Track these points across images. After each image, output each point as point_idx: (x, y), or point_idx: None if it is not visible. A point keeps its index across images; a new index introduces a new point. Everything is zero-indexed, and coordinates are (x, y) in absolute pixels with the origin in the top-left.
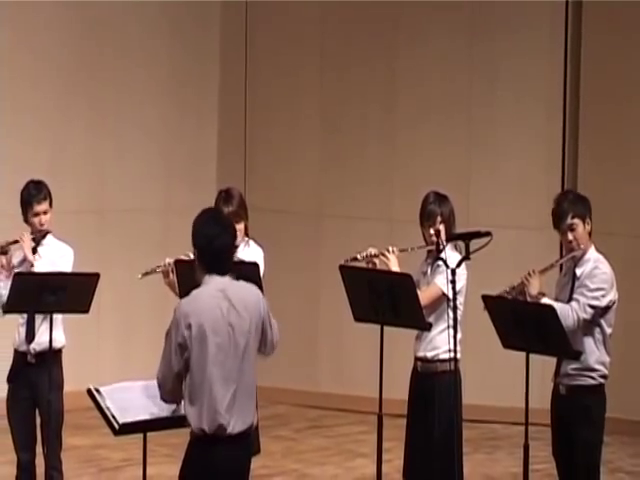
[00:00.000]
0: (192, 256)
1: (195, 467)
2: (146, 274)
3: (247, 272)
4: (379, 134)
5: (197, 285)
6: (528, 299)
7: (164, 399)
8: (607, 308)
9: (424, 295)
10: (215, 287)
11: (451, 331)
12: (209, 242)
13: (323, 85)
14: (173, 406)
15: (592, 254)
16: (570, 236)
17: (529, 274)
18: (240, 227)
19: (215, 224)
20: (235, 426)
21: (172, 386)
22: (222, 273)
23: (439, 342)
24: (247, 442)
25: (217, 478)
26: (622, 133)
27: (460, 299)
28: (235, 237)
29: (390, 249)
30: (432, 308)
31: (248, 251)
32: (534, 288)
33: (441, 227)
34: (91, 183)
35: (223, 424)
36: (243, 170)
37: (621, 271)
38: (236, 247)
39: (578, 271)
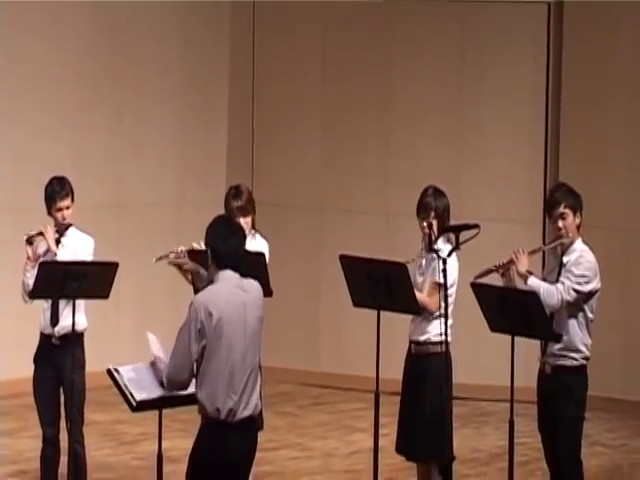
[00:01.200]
0: (196, 246)
1: (206, 449)
2: (160, 258)
3: (254, 262)
4: (376, 134)
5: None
6: (515, 276)
7: (174, 389)
8: (590, 295)
9: (431, 299)
10: (231, 282)
11: (442, 317)
12: (222, 243)
13: (325, 89)
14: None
15: (579, 245)
16: (560, 224)
17: (519, 252)
18: (248, 220)
19: (227, 227)
20: (244, 410)
21: (187, 376)
22: (234, 270)
23: (431, 327)
24: (254, 425)
25: (227, 460)
26: (600, 134)
27: (451, 290)
28: (244, 239)
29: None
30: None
31: (254, 243)
32: (523, 266)
33: (434, 221)
34: (110, 179)
35: (234, 409)
36: (250, 167)
37: (597, 260)
38: None
39: (565, 259)
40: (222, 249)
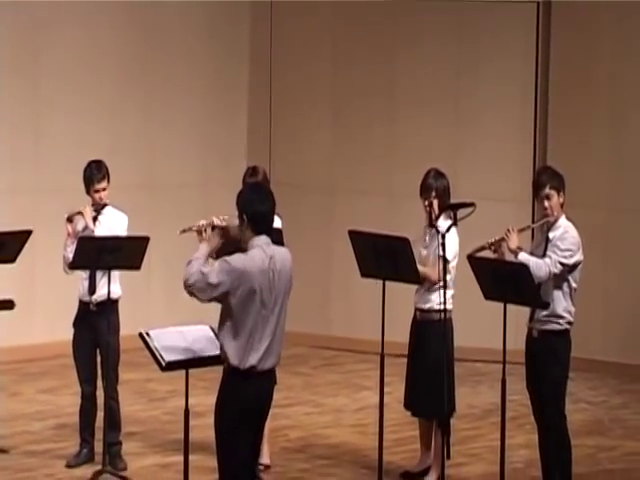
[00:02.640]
0: (217, 221)
1: (229, 398)
2: (184, 231)
3: (273, 237)
4: (381, 120)
5: (235, 247)
6: (506, 252)
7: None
8: (574, 267)
9: (427, 271)
10: (264, 249)
11: (441, 288)
12: (258, 207)
13: (335, 79)
14: (211, 350)
15: (563, 222)
16: (546, 204)
17: (509, 230)
18: None
19: (261, 192)
20: (266, 364)
21: (202, 284)
22: (267, 234)
23: (433, 296)
24: (273, 376)
25: (247, 407)
26: (584, 120)
27: (453, 263)
28: (274, 203)
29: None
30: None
31: None
32: (513, 243)
33: (435, 201)
34: (142, 162)
35: (256, 363)
36: (268, 150)
37: (580, 235)
38: None
39: (551, 235)
40: (258, 212)
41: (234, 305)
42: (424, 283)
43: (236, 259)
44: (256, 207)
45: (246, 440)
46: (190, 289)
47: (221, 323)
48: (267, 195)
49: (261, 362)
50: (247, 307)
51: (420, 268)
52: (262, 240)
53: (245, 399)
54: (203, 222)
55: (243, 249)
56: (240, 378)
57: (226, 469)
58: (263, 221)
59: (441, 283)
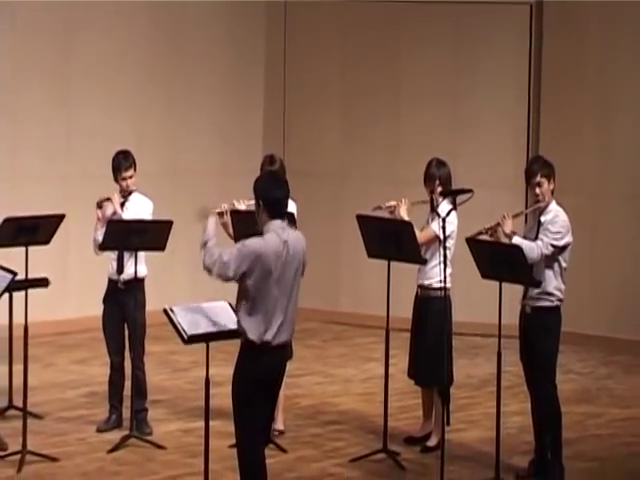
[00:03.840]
0: (237, 204)
1: (245, 369)
2: (209, 214)
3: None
4: (387, 114)
5: (252, 230)
6: (502, 236)
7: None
8: (564, 248)
9: (422, 235)
10: (279, 232)
11: (442, 266)
12: (273, 194)
13: (344, 75)
14: (229, 325)
15: (553, 206)
16: (537, 191)
17: (504, 216)
18: None
19: (276, 180)
20: (279, 339)
21: (221, 267)
22: (281, 218)
23: (433, 274)
24: (286, 350)
25: (262, 378)
26: (574, 113)
27: (451, 242)
28: (289, 190)
29: (403, 200)
30: (427, 246)
31: None
32: (508, 227)
33: (438, 188)
34: (166, 151)
35: (271, 338)
36: (282, 142)
37: (570, 219)
38: None
39: (542, 219)
40: (273, 198)
41: (250, 285)
42: (425, 261)
43: (252, 242)
44: (271, 194)
45: (261, 408)
46: (210, 271)
47: (238, 301)
48: (282, 183)
49: (275, 337)
50: (262, 287)
51: (417, 234)
52: (277, 224)
53: (260, 371)
54: (225, 205)
55: (259, 233)
56: (256, 352)
57: (242, 434)
58: (278, 206)
59: (441, 265)
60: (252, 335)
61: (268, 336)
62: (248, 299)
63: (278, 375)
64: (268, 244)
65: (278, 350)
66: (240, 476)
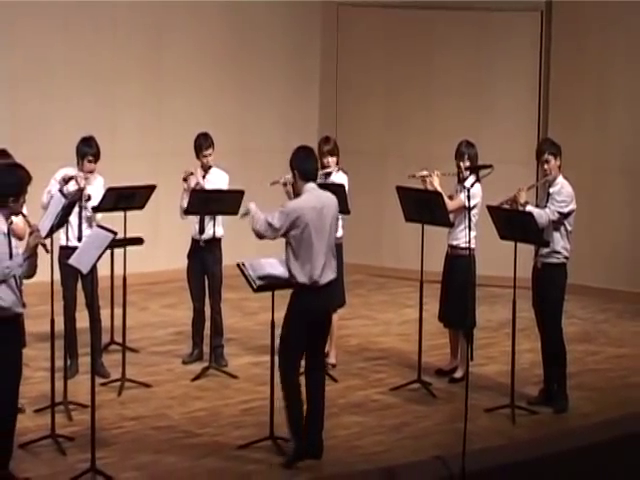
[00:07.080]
0: (290, 178)
1: (297, 308)
2: (273, 183)
3: (337, 190)
4: (422, 102)
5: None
6: (519, 206)
7: (257, 236)
8: (569, 214)
9: (452, 204)
10: (314, 192)
11: (468, 230)
12: (305, 162)
13: (388, 68)
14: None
15: (560, 180)
16: (546, 167)
17: (520, 189)
18: (334, 160)
19: (306, 152)
20: (326, 277)
21: (266, 233)
22: (314, 181)
23: (460, 236)
24: (332, 289)
25: (312, 314)
26: (577, 103)
27: (475, 210)
28: (317, 160)
29: (435, 172)
30: (457, 213)
31: (338, 176)
32: (523, 198)
33: (467, 163)
34: (237, 133)
35: (318, 278)
36: (335, 124)
37: (573, 189)
38: (330, 173)
39: (551, 190)
40: (305, 166)
41: (294, 237)
42: (454, 222)
43: (292, 203)
44: (303, 164)
45: (304, 339)
46: (259, 235)
47: (287, 252)
48: (310, 154)
49: (322, 276)
50: (304, 237)
51: (447, 202)
52: (310, 186)
53: (311, 309)
54: (288, 176)
55: (298, 195)
56: (305, 292)
57: (285, 355)
58: (309, 173)
59: (466, 230)
60: (302, 278)
61: (315, 276)
62: (294, 248)
63: (326, 312)
64: (305, 202)
65: (326, 288)
66: (283, 393)
